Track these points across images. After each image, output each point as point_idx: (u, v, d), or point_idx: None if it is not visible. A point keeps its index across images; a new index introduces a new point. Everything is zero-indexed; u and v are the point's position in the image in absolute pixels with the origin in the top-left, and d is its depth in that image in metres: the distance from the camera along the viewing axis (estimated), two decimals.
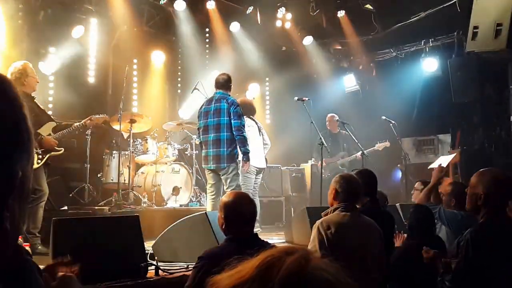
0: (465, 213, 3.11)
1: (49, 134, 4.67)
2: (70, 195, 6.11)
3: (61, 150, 4.72)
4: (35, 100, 4.73)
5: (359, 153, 6.96)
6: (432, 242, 3.03)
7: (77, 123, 4.98)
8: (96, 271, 2.68)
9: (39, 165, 4.43)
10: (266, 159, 6.25)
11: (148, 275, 2.99)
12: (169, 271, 3.13)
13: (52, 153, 4.63)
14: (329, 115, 7.62)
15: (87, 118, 5.08)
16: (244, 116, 6.11)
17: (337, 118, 7.41)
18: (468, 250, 2.22)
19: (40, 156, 4.48)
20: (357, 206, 2.93)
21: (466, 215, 3.17)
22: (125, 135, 6.56)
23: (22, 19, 6.31)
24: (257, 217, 5.84)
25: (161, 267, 3.11)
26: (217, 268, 0.79)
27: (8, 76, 4.47)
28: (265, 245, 2.22)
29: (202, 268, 2.16)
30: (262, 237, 5.02)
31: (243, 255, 0.78)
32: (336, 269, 0.67)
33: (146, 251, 3.32)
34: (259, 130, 6.12)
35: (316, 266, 0.66)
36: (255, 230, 5.60)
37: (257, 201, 5.89)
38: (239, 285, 0.66)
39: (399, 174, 8.35)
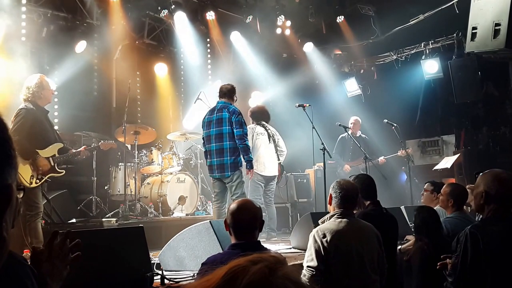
0: None
1: (54, 155, 4.67)
2: (78, 208, 6.19)
3: (62, 172, 4.77)
4: (48, 115, 4.77)
5: (381, 157, 7.34)
6: (439, 242, 3.04)
7: (87, 148, 5.13)
8: (102, 282, 2.72)
9: (37, 185, 4.47)
10: (282, 166, 6.28)
11: (154, 284, 3.03)
12: (175, 280, 3.16)
13: (53, 174, 4.66)
14: (354, 117, 7.69)
15: (96, 145, 5.45)
16: (255, 123, 6.18)
17: (360, 121, 7.61)
18: (466, 245, 2.24)
19: (40, 177, 4.48)
20: (354, 211, 2.94)
21: None
22: (130, 147, 6.65)
23: (26, 36, 6.44)
24: (273, 225, 5.96)
25: (167, 276, 3.14)
26: None
27: (25, 90, 4.46)
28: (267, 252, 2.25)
29: (205, 274, 2.19)
30: (269, 243, 5.08)
31: None
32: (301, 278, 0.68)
33: (153, 261, 3.36)
34: (270, 137, 6.14)
35: (280, 276, 0.66)
36: (272, 239, 5.67)
37: (272, 209, 5.99)
38: None
39: (404, 176, 8.34)
